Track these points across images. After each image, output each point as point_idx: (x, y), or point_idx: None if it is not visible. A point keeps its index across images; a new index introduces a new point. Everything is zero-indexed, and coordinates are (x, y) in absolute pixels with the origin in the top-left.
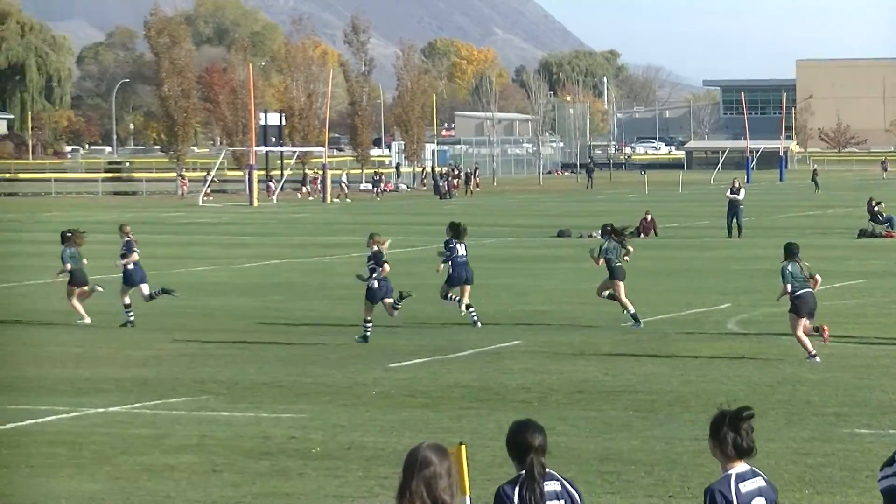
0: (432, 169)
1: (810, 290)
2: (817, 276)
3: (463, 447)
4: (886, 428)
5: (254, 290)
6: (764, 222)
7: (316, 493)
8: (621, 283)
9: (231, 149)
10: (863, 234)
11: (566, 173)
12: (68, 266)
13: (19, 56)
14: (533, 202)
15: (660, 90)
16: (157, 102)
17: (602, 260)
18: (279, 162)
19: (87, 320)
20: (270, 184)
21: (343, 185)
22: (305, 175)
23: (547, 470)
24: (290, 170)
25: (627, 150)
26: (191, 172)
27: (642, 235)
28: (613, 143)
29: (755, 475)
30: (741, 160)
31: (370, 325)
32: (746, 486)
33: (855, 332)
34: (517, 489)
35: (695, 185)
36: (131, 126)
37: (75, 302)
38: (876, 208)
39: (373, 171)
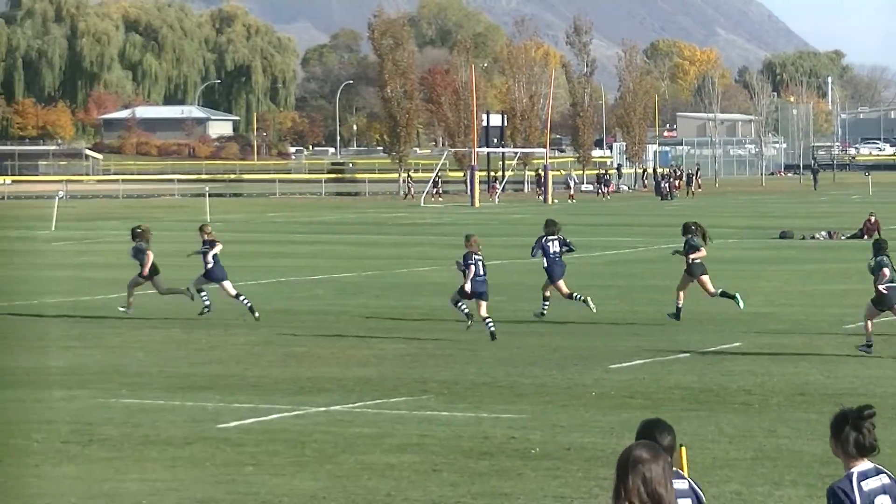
0: (654, 170)
1: None
2: None
3: (683, 449)
4: None
5: None
6: None
7: (535, 494)
8: (706, 277)
9: (453, 150)
10: None
11: (789, 174)
12: (150, 256)
13: (245, 58)
14: (755, 203)
15: (885, 91)
16: (380, 104)
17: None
18: (500, 163)
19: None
20: (494, 185)
21: (570, 185)
22: (539, 176)
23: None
24: (512, 171)
25: (851, 151)
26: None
27: (865, 237)
28: (837, 143)
29: (879, 472)
30: None
31: (468, 310)
32: (869, 484)
33: None
34: None
35: None
36: (354, 127)
37: (133, 290)
38: None
39: (600, 171)
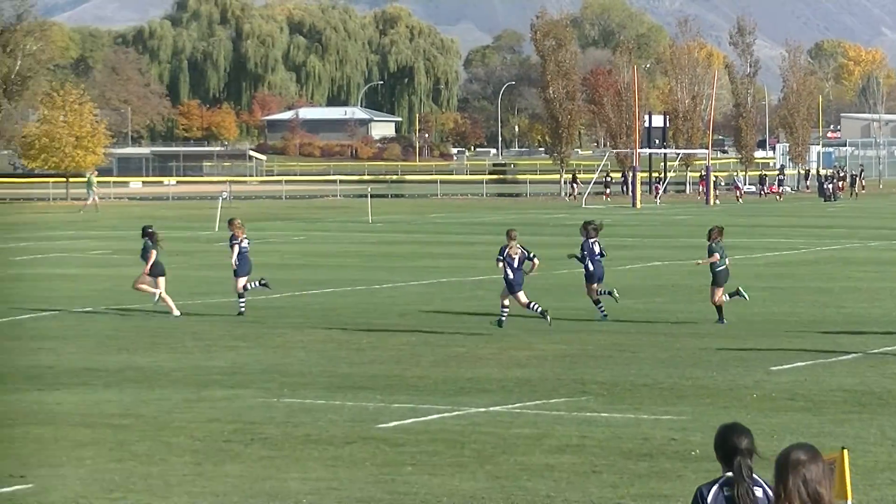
0: (817, 171)
1: None
2: None
3: (845, 452)
4: None
5: (636, 291)
6: None
7: None
8: (720, 289)
9: (615, 151)
10: None
11: None
12: (153, 254)
13: (408, 59)
14: None
15: None
16: (541, 105)
17: (715, 256)
18: (662, 164)
19: (177, 312)
20: (657, 185)
21: (739, 187)
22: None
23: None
24: (674, 171)
25: None
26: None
27: None
28: None
29: None
30: None
31: (507, 310)
32: None
33: None
34: (713, 489)
35: None
36: (516, 128)
37: (147, 287)
38: None
39: (774, 172)
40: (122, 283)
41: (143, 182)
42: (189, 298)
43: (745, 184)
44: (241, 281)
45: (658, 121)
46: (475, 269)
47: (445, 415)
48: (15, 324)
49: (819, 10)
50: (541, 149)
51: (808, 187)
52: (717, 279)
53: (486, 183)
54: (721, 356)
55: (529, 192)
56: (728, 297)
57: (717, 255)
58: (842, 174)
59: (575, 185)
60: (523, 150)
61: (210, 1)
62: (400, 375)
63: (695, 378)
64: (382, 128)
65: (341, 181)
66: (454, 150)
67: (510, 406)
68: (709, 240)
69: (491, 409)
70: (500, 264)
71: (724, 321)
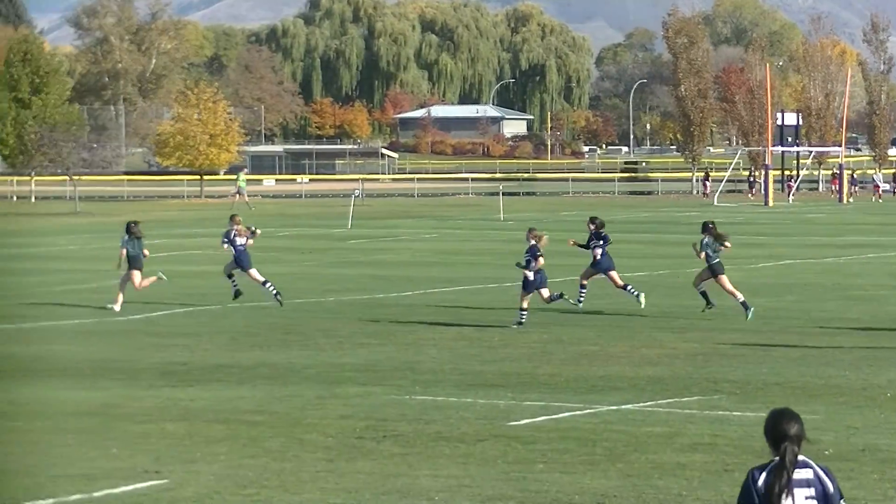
0: None
1: None
2: None
3: None
4: None
5: (768, 289)
6: None
7: None
8: (723, 277)
9: (747, 148)
10: None
11: None
12: (123, 252)
13: (540, 57)
14: None
15: None
16: (673, 102)
17: (703, 254)
18: (795, 162)
19: (117, 308)
20: (790, 184)
21: (879, 185)
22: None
23: (802, 458)
24: (806, 170)
25: None
26: (700, 172)
27: None
28: None
29: None
30: None
31: (525, 313)
32: None
33: None
34: (764, 473)
35: None
36: (648, 126)
37: (146, 281)
38: None
39: None
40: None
41: (277, 180)
42: (321, 296)
43: (883, 182)
44: (254, 273)
45: (791, 118)
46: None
47: (577, 413)
48: (149, 320)
49: None
50: (672, 147)
51: None
52: (715, 270)
53: (618, 181)
54: (854, 355)
55: (661, 190)
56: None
57: (703, 253)
58: None
59: (707, 183)
60: (655, 147)
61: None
62: (531, 373)
63: (827, 377)
64: (514, 125)
65: (473, 179)
66: (585, 148)
67: (642, 404)
68: (703, 232)
69: (622, 407)
70: (541, 260)
71: (714, 304)
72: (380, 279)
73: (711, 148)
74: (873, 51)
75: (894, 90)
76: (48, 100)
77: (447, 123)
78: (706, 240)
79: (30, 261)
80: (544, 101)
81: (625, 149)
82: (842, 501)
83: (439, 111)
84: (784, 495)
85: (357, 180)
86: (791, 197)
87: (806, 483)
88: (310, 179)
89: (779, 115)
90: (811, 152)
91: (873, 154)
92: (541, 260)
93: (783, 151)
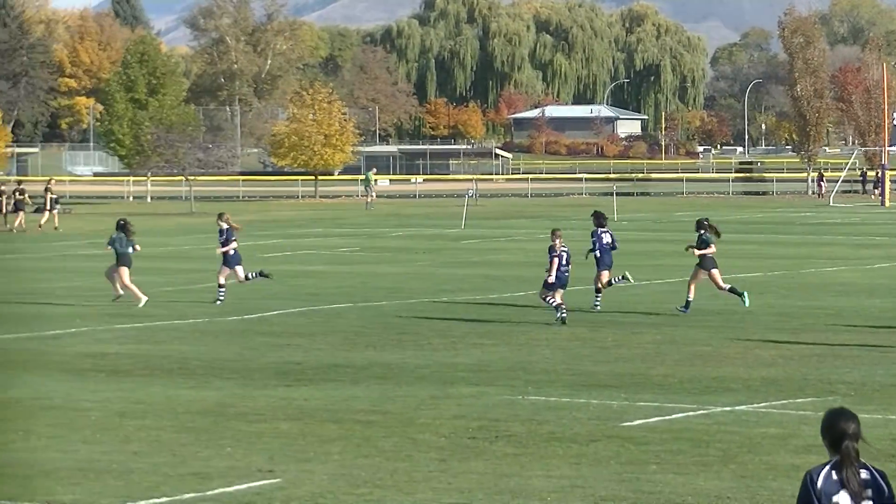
0: None
1: None
2: None
3: None
4: None
5: (884, 290)
6: None
7: None
8: (716, 271)
9: (863, 149)
10: None
11: None
12: (108, 248)
13: (654, 57)
14: None
15: None
16: (789, 102)
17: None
18: None
19: (144, 298)
20: None
21: None
22: None
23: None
24: None
25: None
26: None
27: None
28: None
29: None
30: None
31: (561, 305)
32: None
33: None
34: (823, 473)
35: None
36: (763, 126)
37: (118, 284)
38: None
39: None
40: (369, 280)
41: (391, 180)
42: (435, 296)
43: None
44: (240, 271)
45: None
46: (721, 267)
47: (690, 413)
48: (263, 320)
49: None
50: (788, 147)
51: None
52: (705, 263)
53: (732, 181)
54: None
55: (776, 190)
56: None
57: (713, 247)
58: None
59: (822, 184)
60: (770, 147)
61: (457, 0)
62: (644, 374)
63: None
64: (628, 125)
65: (587, 179)
66: (700, 148)
67: (756, 405)
68: (699, 230)
69: (736, 408)
70: (556, 261)
71: (688, 310)
72: (493, 279)
73: (827, 148)
74: None
75: None
76: (164, 100)
77: (561, 123)
78: (706, 235)
79: (147, 260)
80: (659, 101)
81: (739, 149)
82: None
83: (553, 111)
84: (849, 495)
85: (471, 180)
86: None
87: (864, 483)
88: (424, 179)
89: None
90: None
91: None
92: (555, 261)
93: None
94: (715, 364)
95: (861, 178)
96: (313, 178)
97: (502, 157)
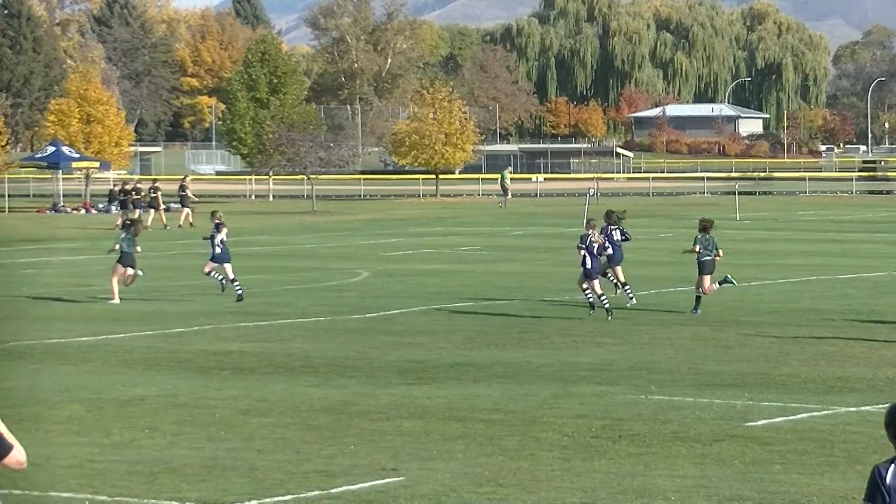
0: None
1: None
2: None
3: None
4: None
5: None
6: None
7: None
8: (707, 277)
9: None
10: None
11: None
12: (116, 246)
13: (776, 56)
14: None
15: None
16: None
17: (698, 247)
18: None
19: (117, 301)
20: None
21: None
22: None
23: None
24: None
25: None
26: None
27: None
28: None
29: None
30: None
31: (593, 294)
32: None
33: None
34: (891, 468)
35: None
36: (886, 125)
37: (114, 282)
38: None
39: None
40: (490, 278)
41: (511, 179)
42: (557, 294)
43: None
44: (210, 266)
45: None
46: (845, 267)
47: (815, 414)
48: (386, 318)
49: None
50: None
51: None
52: (702, 268)
53: (856, 180)
54: None
55: None
56: (717, 286)
57: (698, 247)
58: None
59: None
60: (894, 146)
61: None
62: (768, 374)
63: None
64: (750, 124)
65: (708, 178)
66: (823, 148)
67: (881, 406)
68: (699, 231)
69: (861, 408)
70: (582, 252)
71: (699, 311)
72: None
73: None
74: None
75: None
76: (286, 99)
77: (682, 122)
78: (699, 236)
79: (269, 259)
80: (780, 99)
81: (863, 148)
82: None
83: (674, 110)
84: None
85: (592, 179)
86: None
87: None
88: (544, 178)
89: None
90: None
91: None
92: (582, 253)
93: None
94: (839, 364)
95: None
96: (434, 176)
97: (623, 155)
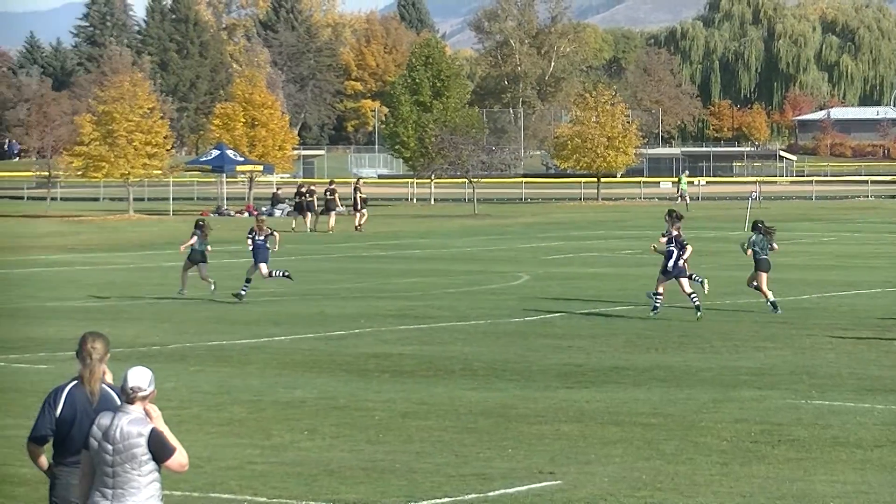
0: None
1: None
2: None
3: None
4: None
5: None
6: None
7: None
8: (764, 274)
9: None
10: None
11: None
12: (192, 241)
13: None
14: None
15: None
16: None
17: (750, 251)
18: None
19: (185, 292)
20: None
21: None
22: None
23: None
24: None
25: None
26: None
27: None
28: None
29: None
30: None
31: (660, 297)
32: None
33: None
34: None
35: None
36: None
37: (186, 273)
38: None
39: None
40: (651, 282)
41: (673, 183)
42: (717, 298)
43: None
44: (263, 267)
45: None
46: None
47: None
48: (545, 321)
49: None
50: None
51: None
52: (759, 265)
53: None
54: None
55: None
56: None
57: (752, 248)
58: None
59: None
60: None
61: (742, 1)
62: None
63: None
64: None
65: (872, 182)
66: None
67: None
68: (754, 231)
69: None
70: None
71: (779, 310)
72: (775, 282)
73: None
74: None
75: None
76: (449, 103)
77: (847, 125)
78: (753, 238)
79: (430, 262)
80: None
81: None
82: None
83: (839, 113)
84: None
85: (754, 182)
86: None
87: None
88: (706, 182)
89: None
90: None
91: None
92: (688, 248)
93: None
94: None
95: None
96: (595, 180)
97: (786, 159)
